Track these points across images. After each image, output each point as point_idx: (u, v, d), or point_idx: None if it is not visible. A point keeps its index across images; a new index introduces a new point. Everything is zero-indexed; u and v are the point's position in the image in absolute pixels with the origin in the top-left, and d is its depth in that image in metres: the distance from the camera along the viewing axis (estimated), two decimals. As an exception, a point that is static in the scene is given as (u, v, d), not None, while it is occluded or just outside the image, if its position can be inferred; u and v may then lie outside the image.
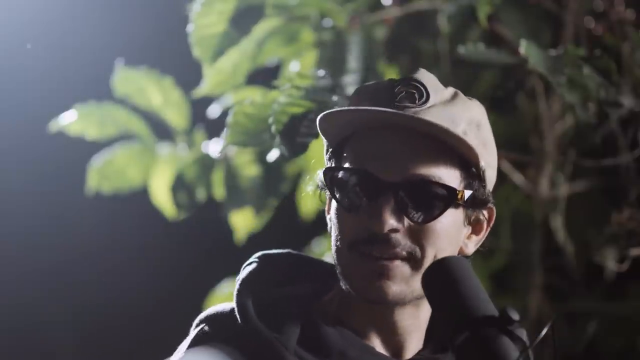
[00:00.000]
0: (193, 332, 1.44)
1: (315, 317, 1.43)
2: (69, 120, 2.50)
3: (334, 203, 1.43)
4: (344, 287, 1.43)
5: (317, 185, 1.48)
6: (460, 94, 1.45)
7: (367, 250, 1.38)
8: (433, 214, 1.38)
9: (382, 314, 1.43)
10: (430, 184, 1.37)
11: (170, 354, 1.45)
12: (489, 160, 1.45)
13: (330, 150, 1.46)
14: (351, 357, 1.39)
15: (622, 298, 2.75)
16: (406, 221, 1.37)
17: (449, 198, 1.39)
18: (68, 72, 3.55)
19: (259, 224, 2.58)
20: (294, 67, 2.35)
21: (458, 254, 1.45)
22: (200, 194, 2.53)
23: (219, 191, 2.52)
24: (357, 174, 1.39)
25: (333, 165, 1.44)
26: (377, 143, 1.39)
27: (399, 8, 2.36)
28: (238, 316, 1.41)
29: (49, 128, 2.51)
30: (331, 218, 1.44)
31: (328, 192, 1.45)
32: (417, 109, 1.39)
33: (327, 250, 2.68)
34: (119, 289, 3.68)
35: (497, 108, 2.46)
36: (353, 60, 2.21)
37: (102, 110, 2.50)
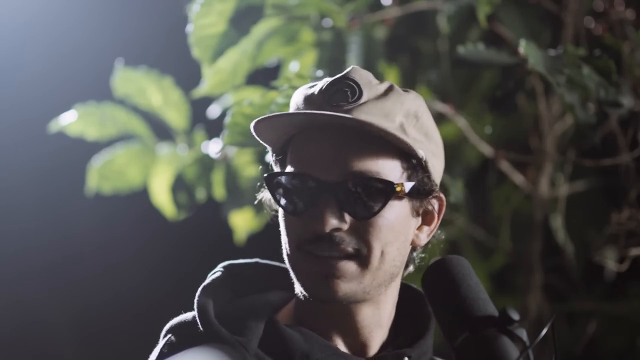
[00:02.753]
0: (160, 345, 1.46)
1: (278, 321, 1.43)
2: (69, 120, 2.50)
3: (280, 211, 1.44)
4: (297, 290, 1.44)
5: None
6: (396, 88, 1.44)
7: (312, 249, 1.38)
8: (374, 209, 1.38)
9: (342, 314, 1.43)
10: (369, 179, 1.38)
11: (170, 353, 1.45)
12: (432, 149, 1.45)
13: (274, 155, 1.46)
14: (316, 359, 1.40)
15: (622, 298, 2.75)
16: (348, 219, 1.38)
17: (388, 192, 1.39)
18: (68, 72, 3.55)
19: (259, 224, 2.58)
20: (293, 67, 2.35)
21: (411, 245, 1.45)
22: (200, 194, 2.53)
23: (219, 191, 2.52)
24: (297, 178, 1.40)
25: (278, 170, 1.45)
26: (314, 145, 1.40)
27: (399, 8, 2.36)
28: (198, 320, 1.42)
29: (49, 128, 2.51)
30: (280, 220, 1.45)
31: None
32: (350, 106, 1.39)
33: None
34: (118, 289, 3.68)
35: (497, 108, 2.46)
36: (353, 60, 2.21)
37: (102, 110, 2.50)
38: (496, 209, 2.69)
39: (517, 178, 2.52)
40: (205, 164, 2.51)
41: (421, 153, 1.41)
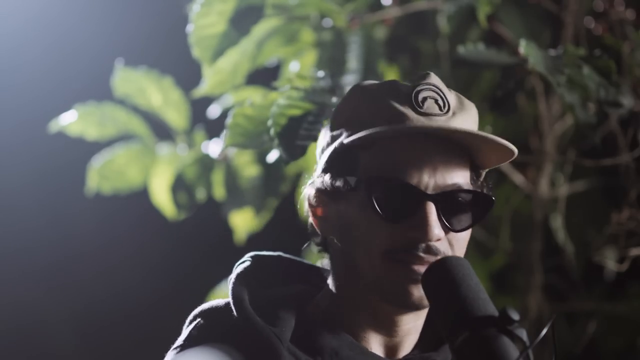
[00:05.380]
0: (189, 327, 1.44)
1: (308, 315, 1.43)
2: (69, 120, 2.50)
3: (350, 211, 1.42)
4: (334, 287, 1.44)
5: (319, 189, 1.47)
6: (460, 96, 1.46)
7: (406, 258, 1.38)
8: (470, 221, 1.42)
9: (385, 317, 1.43)
10: (468, 193, 1.41)
11: (170, 354, 1.45)
12: None
13: (337, 154, 1.44)
14: (344, 357, 1.40)
15: (622, 298, 2.75)
16: (445, 229, 1.40)
17: (487, 206, 1.44)
18: (68, 72, 3.55)
19: (259, 224, 2.58)
20: (293, 67, 2.34)
21: None
22: (200, 194, 2.53)
23: (219, 191, 2.52)
24: (399, 186, 1.39)
25: (362, 172, 1.42)
26: (411, 153, 1.39)
27: (399, 8, 2.36)
28: (234, 308, 1.42)
29: (49, 128, 2.51)
30: (343, 225, 1.43)
31: (342, 199, 1.43)
32: (444, 117, 1.40)
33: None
34: (118, 289, 3.69)
35: (497, 108, 2.46)
36: (353, 61, 2.21)
37: (102, 110, 2.50)
38: (496, 209, 2.68)
39: (517, 178, 2.52)
40: (205, 164, 2.51)
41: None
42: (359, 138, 1.39)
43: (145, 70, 2.48)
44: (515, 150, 1.40)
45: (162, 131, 2.58)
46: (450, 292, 1.28)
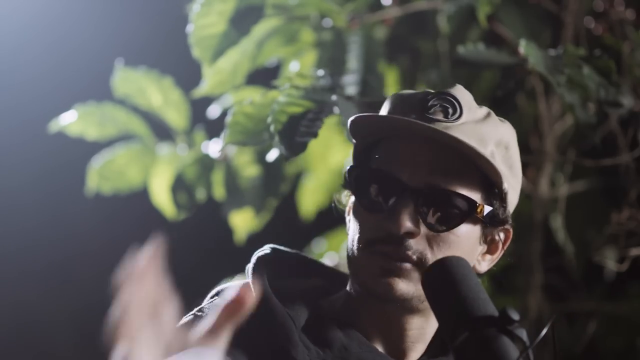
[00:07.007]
0: (209, 302, 1.48)
1: (322, 309, 1.45)
2: (69, 120, 2.50)
3: (353, 202, 1.46)
4: (350, 289, 1.45)
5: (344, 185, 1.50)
6: (493, 115, 1.47)
7: (381, 249, 1.39)
8: (450, 223, 1.40)
9: (390, 320, 1.44)
10: (452, 194, 1.39)
11: (170, 353, 1.45)
12: (512, 183, 1.47)
13: (358, 151, 1.48)
14: (353, 353, 1.41)
15: (622, 298, 2.75)
16: (423, 227, 1.39)
17: (468, 210, 1.40)
18: (68, 72, 3.55)
19: (259, 224, 2.58)
20: (293, 67, 2.34)
21: None
22: (200, 194, 2.53)
23: (219, 191, 2.52)
24: (381, 176, 1.41)
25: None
26: (404, 149, 1.41)
27: (399, 8, 2.36)
28: (253, 287, 1.43)
29: (49, 128, 2.51)
30: (350, 217, 1.47)
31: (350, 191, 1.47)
32: (448, 123, 1.41)
33: (327, 250, 2.68)
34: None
35: (497, 108, 2.46)
36: (353, 61, 2.21)
37: (102, 110, 2.50)
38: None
39: (517, 178, 2.51)
40: (205, 164, 2.51)
41: (505, 185, 1.42)
42: (349, 125, 1.43)
43: (145, 70, 2.48)
44: (481, 152, 1.37)
45: (162, 131, 2.58)
46: (449, 292, 1.28)
